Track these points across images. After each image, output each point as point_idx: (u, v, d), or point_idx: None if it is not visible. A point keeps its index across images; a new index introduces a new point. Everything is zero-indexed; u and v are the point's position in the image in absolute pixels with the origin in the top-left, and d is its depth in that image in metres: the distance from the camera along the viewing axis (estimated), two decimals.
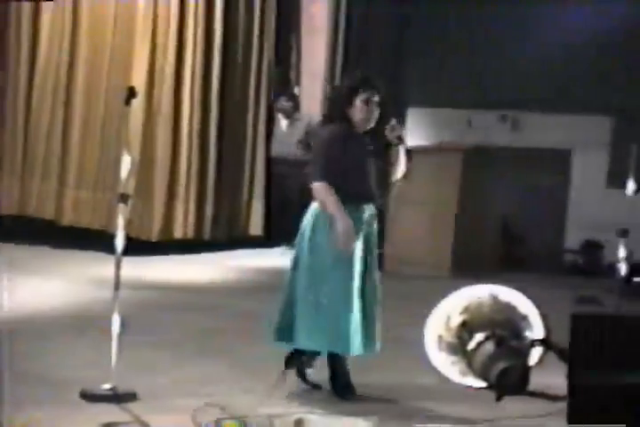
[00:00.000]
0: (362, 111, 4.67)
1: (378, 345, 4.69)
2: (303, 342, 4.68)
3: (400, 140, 4.69)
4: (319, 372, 4.84)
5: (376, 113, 4.69)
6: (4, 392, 4.13)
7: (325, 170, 4.61)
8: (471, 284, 5.04)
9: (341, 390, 4.71)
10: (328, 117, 4.80)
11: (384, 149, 4.73)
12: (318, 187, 4.61)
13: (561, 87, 10.37)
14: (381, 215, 8.42)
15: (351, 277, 4.61)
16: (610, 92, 10.26)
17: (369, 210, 4.73)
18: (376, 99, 4.68)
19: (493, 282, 5.08)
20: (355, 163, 4.65)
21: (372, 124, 4.71)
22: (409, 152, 4.81)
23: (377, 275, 4.75)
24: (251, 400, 4.46)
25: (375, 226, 4.78)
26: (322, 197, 4.62)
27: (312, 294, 4.65)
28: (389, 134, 4.68)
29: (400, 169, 4.78)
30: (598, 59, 10.29)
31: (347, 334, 4.56)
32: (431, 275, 8.56)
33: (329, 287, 4.60)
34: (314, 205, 4.73)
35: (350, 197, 4.62)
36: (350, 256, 4.60)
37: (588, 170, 10.72)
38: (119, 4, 9.45)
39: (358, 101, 4.67)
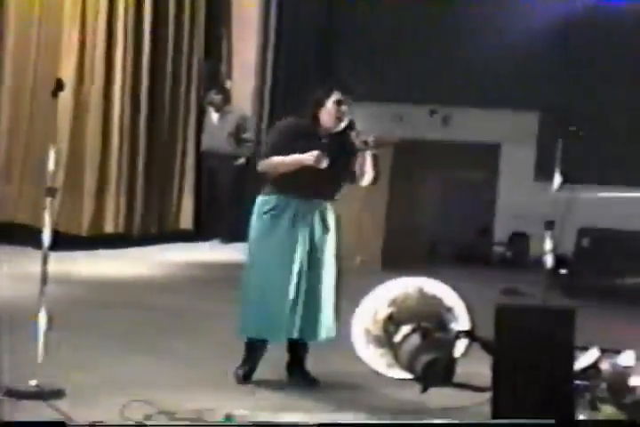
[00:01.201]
0: (331, 112, 4.74)
1: (319, 335, 4.82)
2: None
3: (366, 144, 4.73)
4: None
5: (347, 115, 4.76)
6: None
7: (272, 154, 4.70)
8: (401, 277, 5.09)
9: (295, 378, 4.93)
10: (298, 116, 4.84)
11: (352, 153, 4.78)
12: (263, 162, 4.73)
13: (490, 83, 10.49)
14: None
15: (276, 272, 4.73)
16: (537, 88, 10.41)
17: (319, 207, 4.79)
18: (349, 101, 4.76)
19: (422, 275, 5.13)
20: None
21: (342, 126, 4.77)
22: (375, 157, 4.83)
23: (328, 272, 4.81)
24: (179, 396, 4.46)
25: (329, 224, 4.83)
26: (272, 165, 4.71)
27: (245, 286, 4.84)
28: (355, 139, 4.73)
29: (367, 174, 4.82)
30: (526, 56, 10.43)
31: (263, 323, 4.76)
32: (362, 269, 8.59)
33: (258, 280, 4.78)
34: (259, 199, 4.83)
35: (295, 190, 4.73)
36: (279, 252, 4.72)
37: (516, 164, 10.86)
38: None
39: (330, 102, 4.74)
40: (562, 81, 10.46)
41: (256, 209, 4.84)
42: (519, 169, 10.79)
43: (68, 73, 9.02)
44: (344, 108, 4.73)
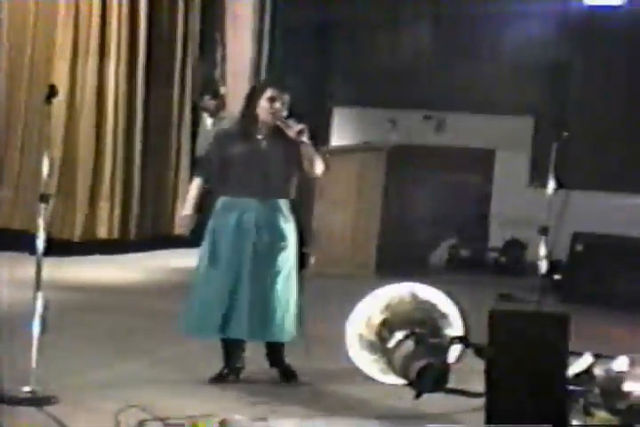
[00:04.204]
0: (265, 108, 4.88)
1: (276, 335, 4.84)
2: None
3: (301, 134, 4.81)
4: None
5: (282, 111, 4.88)
6: None
7: (202, 167, 5.05)
8: (395, 283, 5.09)
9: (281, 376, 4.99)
10: (240, 116, 5.01)
11: (293, 146, 4.86)
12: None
13: (484, 88, 10.51)
14: (307, 214, 8.48)
15: (222, 272, 4.83)
16: (532, 94, 10.44)
17: (271, 206, 4.84)
18: (284, 97, 4.88)
19: (416, 280, 5.13)
20: (242, 159, 4.86)
21: (278, 121, 4.88)
22: (316, 148, 4.93)
23: (282, 273, 4.84)
24: (173, 401, 4.46)
25: (281, 222, 4.89)
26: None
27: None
28: (289, 132, 4.83)
29: (317, 164, 4.89)
30: (521, 61, 10.46)
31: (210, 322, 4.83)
32: (356, 274, 8.59)
33: (199, 278, 4.95)
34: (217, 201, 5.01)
35: (235, 191, 4.88)
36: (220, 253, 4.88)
37: (510, 169, 10.87)
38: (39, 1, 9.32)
39: (264, 100, 4.88)
40: (556, 86, 10.48)
41: (213, 211, 5.03)
42: (513, 174, 10.80)
43: (61, 78, 9.02)
44: (277, 104, 4.87)
